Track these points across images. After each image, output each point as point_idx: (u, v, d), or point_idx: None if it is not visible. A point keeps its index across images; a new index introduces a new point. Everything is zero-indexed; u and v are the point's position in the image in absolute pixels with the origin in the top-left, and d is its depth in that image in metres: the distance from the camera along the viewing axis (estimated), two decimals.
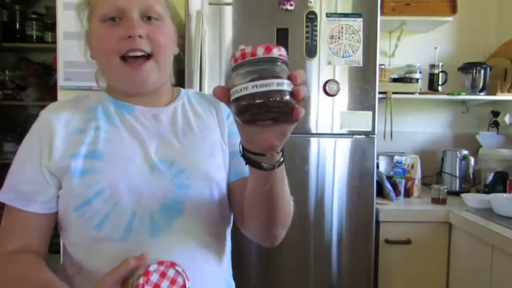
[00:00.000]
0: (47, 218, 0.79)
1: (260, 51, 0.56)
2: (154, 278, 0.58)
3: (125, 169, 0.76)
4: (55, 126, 0.78)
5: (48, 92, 2.66)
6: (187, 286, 0.61)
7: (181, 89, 0.93)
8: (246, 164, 0.67)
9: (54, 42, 1.83)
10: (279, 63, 0.57)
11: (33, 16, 2.68)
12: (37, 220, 0.78)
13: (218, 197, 0.83)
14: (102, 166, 0.76)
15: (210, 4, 1.80)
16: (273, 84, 0.55)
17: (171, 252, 0.73)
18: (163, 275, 0.59)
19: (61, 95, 1.82)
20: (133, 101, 0.84)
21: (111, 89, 0.86)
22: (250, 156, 0.65)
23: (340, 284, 1.86)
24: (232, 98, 0.57)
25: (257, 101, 0.55)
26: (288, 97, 0.56)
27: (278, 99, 0.55)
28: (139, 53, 0.77)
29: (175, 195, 0.77)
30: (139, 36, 0.76)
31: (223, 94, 0.58)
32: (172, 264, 0.61)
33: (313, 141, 1.82)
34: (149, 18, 0.79)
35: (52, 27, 2.50)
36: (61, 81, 1.80)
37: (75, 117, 0.80)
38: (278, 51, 0.57)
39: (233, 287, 0.90)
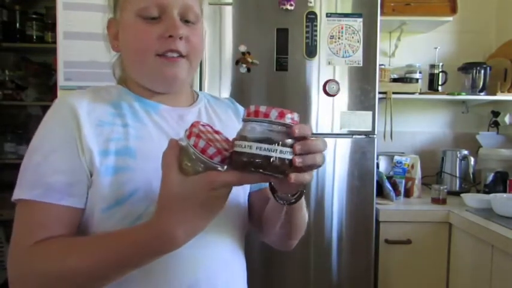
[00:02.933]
0: (79, 213, 0.70)
1: (273, 115, 0.57)
2: (199, 127, 0.59)
3: (158, 169, 0.66)
4: (79, 112, 0.71)
5: (48, 92, 2.66)
6: (215, 129, 0.62)
7: (198, 92, 0.91)
8: (271, 193, 0.69)
9: (54, 42, 1.83)
10: (279, 127, 0.58)
11: (33, 16, 2.68)
12: (71, 215, 0.69)
13: (243, 201, 0.84)
14: (136, 164, 0.71)
15: (210, 4, 1.80)
16: (276, 151, 0.56)
17: (201, 251, 0.73)
18: (199, 135, 0.58)
19: (61, 95, 1.82)
20: (157, 100, 0.80)
21: (132, 84, 0.81)
22: (278, 196, 0.68)
23: (340, 284, 1.86)
24: (235, 149, 0.58)
25: (256, 161, 0.56)
26: (285, 166, 0.57)
27: (276, 166, 0.56)
28: (175, 54, 0.75)
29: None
30: (180, 38, 0.74)
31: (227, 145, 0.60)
32: (197, 122, 0.60)
33: None
34: (187, 20, 0.76)
35: (52, 27, 2.49)
36: (61, 81, 1.80)
37: (97, 109, 0.74)
38: (291, 118, 0.58)
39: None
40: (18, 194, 0.71)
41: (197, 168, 0.58)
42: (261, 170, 0.56)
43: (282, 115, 0.57)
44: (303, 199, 0.71)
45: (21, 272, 0.65)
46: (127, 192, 0.69)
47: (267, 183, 0.73)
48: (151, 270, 0.67)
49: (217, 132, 0.60)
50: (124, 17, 0.77)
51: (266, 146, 0.56)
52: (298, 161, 0.57)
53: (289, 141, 0.57)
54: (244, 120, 0.59)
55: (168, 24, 0.74)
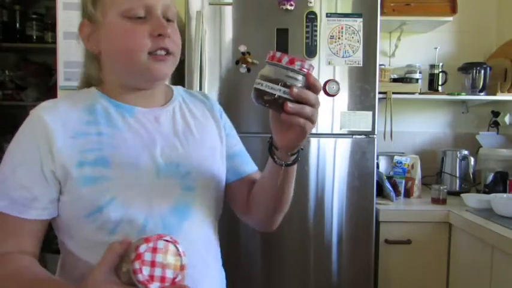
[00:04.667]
0: (43, 223, 0.77)
1: (284, 61, 0.67)
2: (147, 257, 0.58)
3: (134, 175, 0.76)
4: (52, 127, 0.74)
5: (48, 92, 2.66)
6: (180, 250, 0.62)
7: (172, 87, 0.93)
8: (270, 156, 0.77)
9: (54, 42, 1.83)
10: (295, 75, 0.68)
11: (33, 16, 2.67)
12: (32, 225, 0.76)
13: (218, 196, 0.88)
14: (111, 173, 0.75)
15: (210, 4, 1.80)
16: (279, 91, 0.68)
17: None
18: (154, 250, 0.59)
19: (61, 95, 1.82)
20: (131, 100, 0.82)
21: (109, 85, 0.83)
22: (271, 147, 0.77)
23: (340, 284, 1.86)
24: (254, 84, 0.70)
25: (264, 97, 0.69)
26: (279, 102, 0.68)
27: (277, 103, 0.68)
28: (163, 52, 0.78)
29: (183, 198, 0.80)
30: (168, 36, 0.78)
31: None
32: (159, 237, 0.61)
33: (313, 141, 1.83)
34: (168, 19, 0.80)
35: (52, 27, 2.49)
36: (61, 81, 1.80)
37: (72, 118, 0.77)
38: (300, 65, 0.68)
39: (224, 274, 0.94)
40: None
41: (129, 281, 0.59)
42: (267, 105, 0.69)
43: (291, 61, 0.67)
44: (294, 172, 0.80)
45: None
46: (104, 201, 0.73)
47: (244, 173, 0.91)
48: None
49: (177, 252, 0.61)
50: (107, 18, 0.77)
51: (272, 85, 0.67)
52: (289, 105, 0.67)
53: (292, 83, 0.68)
54: (266, 63, 0.70)
55: (155, 24, 0.76)
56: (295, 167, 0.79)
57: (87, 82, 0.86)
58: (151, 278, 0.58)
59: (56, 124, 0.75)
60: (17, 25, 2.70)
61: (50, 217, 0.77)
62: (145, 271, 0.57)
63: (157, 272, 0.58)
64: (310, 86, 0.69)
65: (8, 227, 0.75)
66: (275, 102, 0.68)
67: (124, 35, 0.76)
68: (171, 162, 0.80)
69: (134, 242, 0.61)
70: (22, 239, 0.76)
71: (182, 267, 0.61)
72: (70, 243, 0.79)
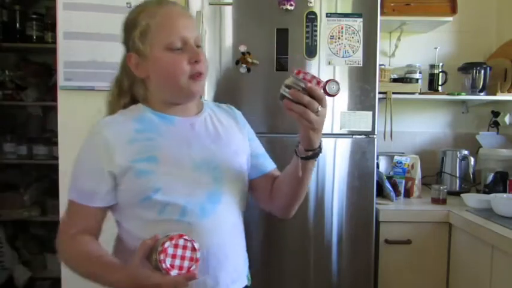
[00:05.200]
0: (102, 210, 1.01)
1: (300, 74, 0.90)
2: (170, 250, 0.79)
3: (176, 169, 0.98)
4: (110, 139, 0.97)
5: (48, 92, 2.66)
6: (196, 246, 0.81)
7: (202, 100, 1.13)
8: (295, 153, 0.99)
9: (54, 42, 1.83)
10: (300, 83, 0.89)
11: (33, 16, 2.68)
12: (95, 211, 1.00)
13: (242, 187, 1.07)
14: (159, 168, 0.96)
15: (210, 4, 1.81)
16: (286, 92, 0.90)
17: (217, 230, 0.98)
18: (176, 246, 0.79)
19: (61, 95, 1.82)
20: (171, 112, 1.04)
21: (154, 101, 1.04)
22: (297, 143, 0.98)
23: (340, 284, 1.86)
24: (280, 91, 0.91)
25: (282, 97, 0.91)
26: (282, 97, 0.91)
27: (280, 95, 0.91)
28: (200, 74, 1.00)
29: (214, 187, 1.00)
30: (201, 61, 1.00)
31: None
32: (180, 236, 0.81)
33: None
34: (197, 45, 1.01)
35: (52, 27, 2.49)
36: (61, 81, 1.80)
37: (125, 129, 0.99)
38: (303, 76, 0.89)
39: (247, 257, 1.12)
40: (68, 195, 1.02)
41: (156, 267, 0.81)
42: (284, 101, 0.90)
43: (298, 73, 0.89)
44: (314, 166, 1.02)
45: (60, 252, 1.01)
46: (154, 189, 0.95)
47: (266, 170, 1.13)
48: None
49: (193, 248, 0.82)
50: (153, 52, 0.99)
51: (285, 88, 0.90)
52: (285, 101, 0.89)
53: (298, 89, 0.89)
54: (291, 75, 0.91)
55: (191, 53, 0.99)
56: (313, 163, 1.00)
57: (132, 98, 1.08)
58: (172, 266, 0.78)
59: (113, 136, 0.98)
60: (17, 25, 2.71)
61: (108, 205, 1.00)
62: (168, 261, 0.78)
63: (177, 262, 0.79)
64: (309, 92, 0.88)
65: (78, 213, 1.00)
66: (283, 99, 0.89)
67: (169, 64, 0.98)
68: (203, 159, 1.01)
69: (161, 238, 0.81)
70: (87, 222, 0.99)
71: (197, 260, 0.81)
72: (126, 222, 1.01)
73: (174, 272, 0.78)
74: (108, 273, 0.91)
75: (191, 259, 0.80)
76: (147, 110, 1.03)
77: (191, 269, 0.80)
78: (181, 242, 0.80)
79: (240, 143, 1.11)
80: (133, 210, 0.98)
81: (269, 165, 1.16)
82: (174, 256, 0.79)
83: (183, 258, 0.80)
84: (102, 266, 0.93)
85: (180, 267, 0.79)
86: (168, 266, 0.78)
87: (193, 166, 0.99)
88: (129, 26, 1.03)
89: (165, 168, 0.97)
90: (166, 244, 0.79)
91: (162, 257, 0.78)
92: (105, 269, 0.92)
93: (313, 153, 0.97)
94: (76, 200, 0.99)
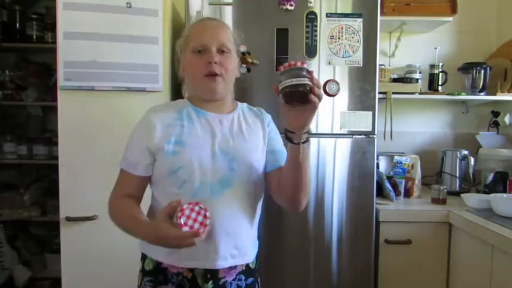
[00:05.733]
0: (143, 178, 1.21)
1: (292, 65, 1.00)
2: (187, 212, 0.99)
3: (198, 154, 1.15)
4: (154, 122, 1.18)
5: (48, 92, 2.66)
6: (207, 215, 1.00)
7: (238, 102, 1.30)
8: (286, 138, 1.07)
9: (54, 42, 1.83)
10: (304, 72, 0.99)
11: (33, 16, 2.67)
12: (137, 179, 1.20)
13: (255, 179, 1.21)
14: (184, 150, 1.15)
15: (210, 4, 1.81)
16: (301, 80, 0.97)
17: (221, 209, 1.13)
18: (191, 210, 0.99)
19: (61, 95, 1.82)
20: (207, 108, 1.22)
21: (193, 97, 1.25)
22: (288, 134, 1.07)
23: (340, 284, 1.86)
24: (280, 88, 0.99)
25: (293, 87, 0.98)
26: (307, 87, 0.98)
27: (302, 86, 0.98)
28: (213, 74, 1.17)
29: (228, 174, 1.16)
30: (215, 63, 1.16)
31: (276, 89, 1.01)
32: (197, 203, 1.00)
33: (313, 141, 1.83)
34: (222, 51, 1.18)
35: (52, 27, 2.49)
36: (61, 81, 1.80)
37: (167, 116, 1.20)
38: (301, 64, 0.99)
39: (257, 245, 1.27)
40: (120, 164, 1.22)
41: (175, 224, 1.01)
42: (295, 92, 0.99)
43: (295, 63, 1.00)
44: (309, 149, 1.12)
45: (108, 209, 1.19)
46: (177, 167, 1.14)
47: (280, 164, 1.21)
48: None
49: (205, 216, 1.01)
50: (186, 55, 1.22)
51: (295, 79, 0.98)
52: (316, 87, 1.00)
53: (305, 76, 0.99)
54: (280, 74, 1.00)
55: (208, 56, 1.17)
56: (309, 144, 1.11)
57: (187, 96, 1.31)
58: (185, 224, 0.98)
59: (157, 120, 1.19)
60: (17, 25, 2.70)
61: (147, 175, 1.20)
62: (183, 219, 0.98)
63: (190, 222, 0.99)
64: (312, 75, 1.01)
65: (125, 179, 1.22)
66: (304, 90, 0.97)
67: (191, 65, 1.20)
68: (223, 150, 1.17)
69: (183, 202, 1.01)
70: (131, 187, 1.20)
71: (205, 225, 0.99)
72: (156, 192, 1.22)
73: (185, 229, 0.97)
74: (138, 228, 1.10)
75: (201, 223, 0.99)
76: (188, 104, 1.24)
77: (199, 230, 0.98)
78: (196, 208, 0.99)
79: (260, 141, 1.24)
80: (162, 183, 1.18)
81: (284, 161, 1.23)
82: (188, 217, 0.98)
83: (195, 220, 0.99)
84: (135, 222, 1.12)
85: (191, 227, 0.98)
86: (182, 223, 0.97)
87: (212, 155, 1.16)
88: (180, 36, 1.27)
89: (189, 151, 1.15)
90: (185, 206, 0.99)
91: (179, 214, 0.98)
92: (137, 224, 1.11)
93: (309, 134, 1.09)
94: (124, 168, 1.21)
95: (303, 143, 1.07)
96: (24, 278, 2.65)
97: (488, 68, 2.33)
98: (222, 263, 1.15)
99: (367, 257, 1.86)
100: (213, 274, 1.16)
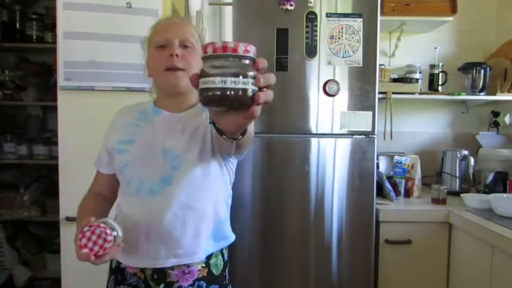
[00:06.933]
0: (108, 176, 1.26)
1: (229, 48, 0.58)
2: (87, 234, 0.99)
3: (143, 153, 1.16)
4: (116, 122, 1.24)
5: (48, 92, 2.66)
6: (108, 238, 0.99)
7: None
8: (219, 134, 0.82)
9: (54, 42, 1.83)
10: (246, 61, 0.60)
11: (33, 16, 2.67)
12: (103, 176, 1.27)
13: (201, 174, 1.14)
14: (132, 149, 1.17)
15: (210, 4, 1.81)
16: (238, 83, 0.58)
17: (161, 206, 1.11)
18: (93, 232, 0.99)
19: (61, 95, 1.82)
20: (167, 105, 1.20)
21: (157, 96, 1.25)
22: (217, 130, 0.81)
23: (340, 284, 1.86)
24: (201, 86, 0.60)
25: (221, 95, 0.58)
26: (248, 96, 0.59)
27: (239, 96, 0.58)
28: (174, 67, 1.13)
29: (169, 172, 1.14)
30: (176, 55, 1.13)
31: (195, 81, 0.65)
32: (99, 226, 1.00)
33: (313, 141, 1.83)
34: (185, 46, 1.16)
35: (52, 27, 2.49)
36: (61, 81, 1.80)
37: (129, 116, 1.23)
38: (243, 49, 0.59)
39: (223, 243, 1.22)
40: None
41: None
42: (224, 102, 0.60)
43: (236, 47, 0.59)
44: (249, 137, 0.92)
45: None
46: (124, 165, 1.17)
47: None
48: (127, 214, 1.16)
49: (105, 239, 1.00)
50: (149, 51, 1.21)
51: (230, 79, 0.58)
52: (262, 95, 0.62)
53: (248, 72, 0.59)
54: (204, 58, 0.62)
55: (169, 50, 1.14)
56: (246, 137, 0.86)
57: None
58: (85, 245, 0.99)
59: (119, 120, 1.24)
60: (17, 25, 2.70)
61: (110, 173, 1.25)
62: (83, 241, 0.99)
63: (90, 244, 0.99)
64: (259, 68, 0.65)
65: (96, 177, 1.29)
66: (243, 98, 0.58)
67: (153, 59, 1.18)
68: (170, 148, 1.15)
69: (91, 223, 1.01)
70: (100, 184, 1.27)
71: (105, 248, 0.99)
72: (119, 190, 1.23)
73: (84, 250, 0.99)
74: (77, 226, 1.10)
75: (101, 246, 0.99)
76: (150, 104, 1.24)
77: (98, 253, 1.00)
78: (97, 231, 1.00)
79: (204, 130, 1.14)
80: (119, 182, 1.21)
81: None
82: (89, 239, 0.99)
83: (95, 243, 1.00)
84: (79, 219, 1.16)
85: (91, 249, 0.99)
86: (82, 244, 0.99)
87: (161, 152, 1.15)
88: (145, 39, 1.25)
89: (135, 150, 1.17)
90: (86, 229, 1.00)
91: (80, 236, 1.00)
92: (78, 222, 1.14)
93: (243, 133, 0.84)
94: (94, 165, 1.28)
95: (237, 141, 0.85)
96: (24, 278, 2.66)
97: (488, 68, 2.33)
98: (163, 262, 1.12)
99: (367, 257, 1.86)
100: (160, 276, 1.14)
